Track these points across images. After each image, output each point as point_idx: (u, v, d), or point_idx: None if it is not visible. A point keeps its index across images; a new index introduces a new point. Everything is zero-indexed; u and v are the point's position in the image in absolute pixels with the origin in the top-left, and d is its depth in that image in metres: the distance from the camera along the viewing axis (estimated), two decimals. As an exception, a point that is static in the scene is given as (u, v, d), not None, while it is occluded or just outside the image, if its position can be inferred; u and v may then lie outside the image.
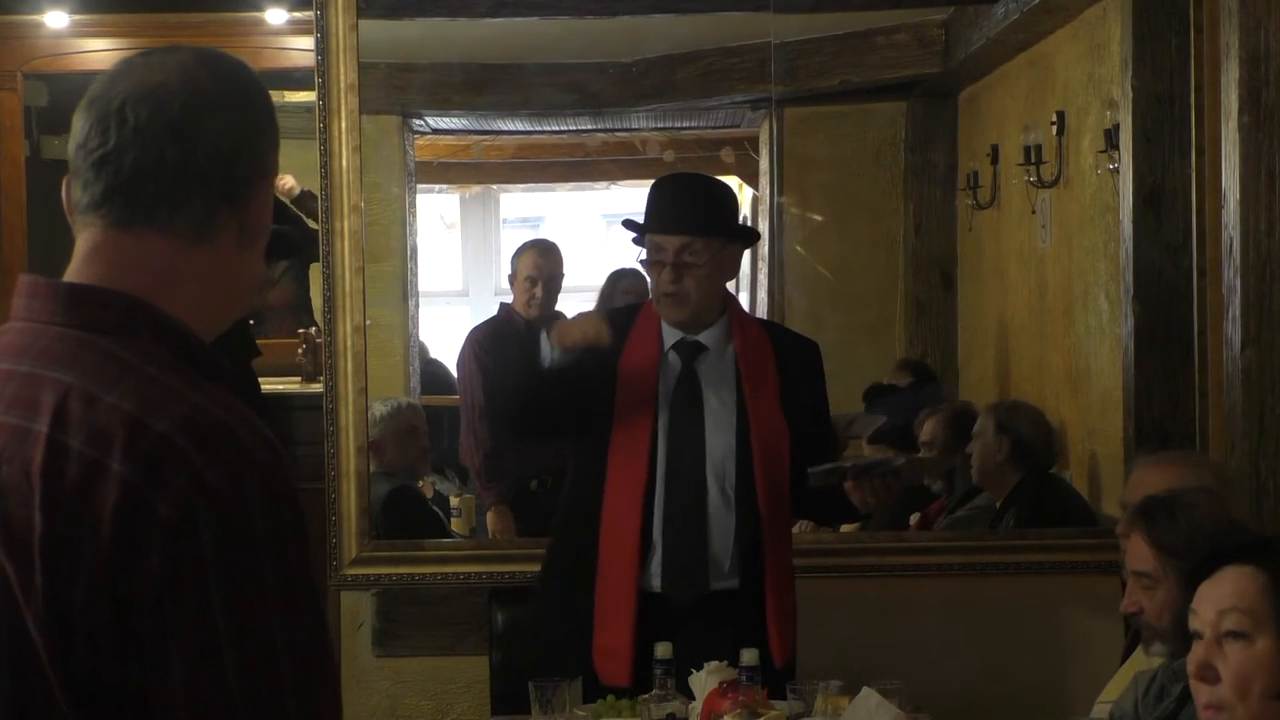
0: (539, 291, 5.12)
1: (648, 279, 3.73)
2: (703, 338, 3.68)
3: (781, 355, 3.70)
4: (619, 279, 5.13)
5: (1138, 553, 2.94)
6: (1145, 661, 3.07)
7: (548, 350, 3.53)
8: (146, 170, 1.57)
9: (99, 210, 1.59)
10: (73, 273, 1.59)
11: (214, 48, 1.67)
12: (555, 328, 3.55)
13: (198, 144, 1.58)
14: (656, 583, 3.60)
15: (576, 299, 5.34)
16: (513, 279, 5.19)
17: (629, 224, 3.72)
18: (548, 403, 3.61)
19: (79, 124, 1.60)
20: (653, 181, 3.79)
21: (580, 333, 3.49)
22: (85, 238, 1.60)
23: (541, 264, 5.16)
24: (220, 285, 1.62)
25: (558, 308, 5.21)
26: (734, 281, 3.88)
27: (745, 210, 5.29)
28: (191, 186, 1.58)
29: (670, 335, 3.69)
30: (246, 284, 1.66)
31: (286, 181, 5.98)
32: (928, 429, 4.88)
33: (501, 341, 5.11)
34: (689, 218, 3.62)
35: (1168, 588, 2.88)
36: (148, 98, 1.58)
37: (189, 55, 1.63)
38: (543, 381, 3.57)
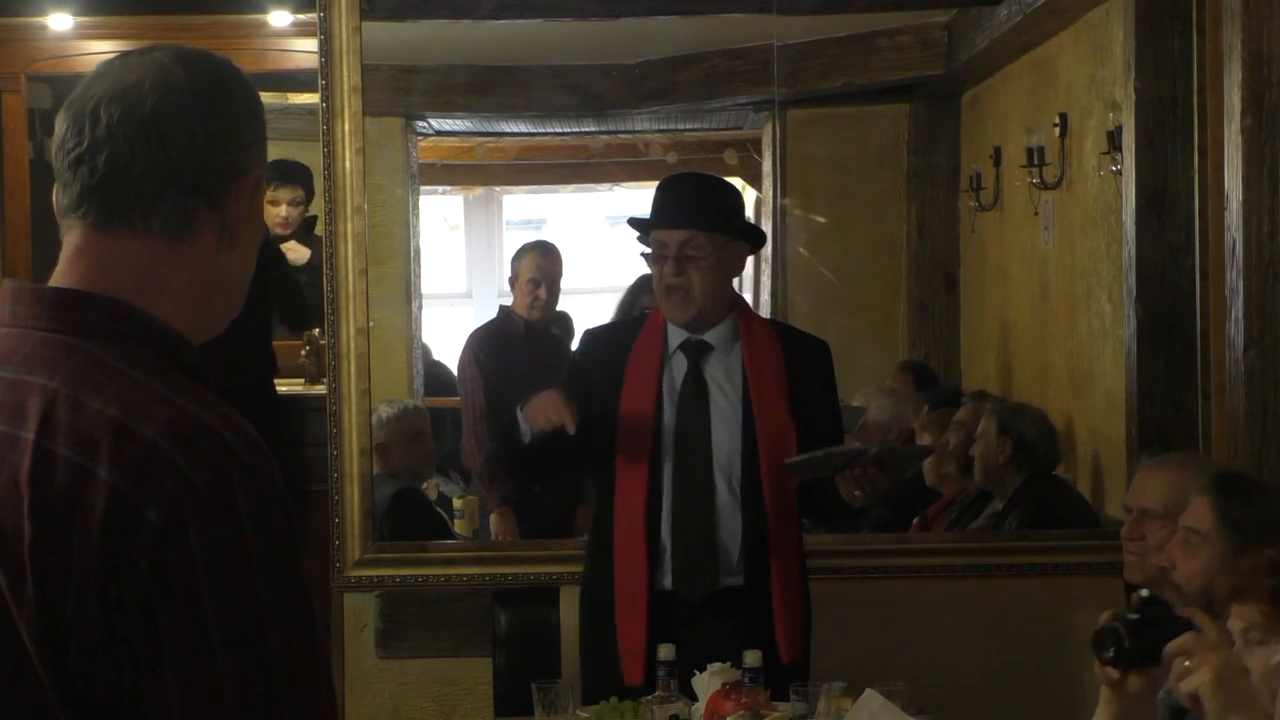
0: (542, 293, 5.13)
1: (653, 276, 3.74)
2: (708, 337, 3.70)
3: (790, 355, 3.71)
4: (639, 293, 5.12)
5: (1197, 511, 2.95)
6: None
7: (524, 426, 3.60)
8: (119, 170, 1.57)
9: (78, 211, 1.59)
10: (57, 275, 1.59)
11: (198, 48, 1.66)
12: (526, 409, 3.60)
13: (168, 141, 1.57)
14: (668, 581, 3.63)
15: (579, 300, 5.34)
16: (513, 281, 5.19)
17: (634, 222, 3.74)
18: (542, 459, 3.74)
19: (58, 126, 1.60)
20: (658, 182, 3.81)
21: (544, 418, 3.54)
22: (68, 240, 1.60)
23: (544, 265, 5.17)
24: (203, 285, 1.61)
25: (560, 308, 5.21)
26: (737, 282, 3.89)
27: (749, 212, 5.29)
28: (164, 185, 1.58)
29: (676, 336, 3.71)
30: (232, 285, 1.64)
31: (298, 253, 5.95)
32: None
33: (501, 344, 5.11)
34: (691, 212, 3.65)
35: (1210, 555, 2.91)
36: (120, 97, 1.58)
37: (166, 54, 1.62)
38: (527, 459, 3.75)
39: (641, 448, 3.62)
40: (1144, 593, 2.48)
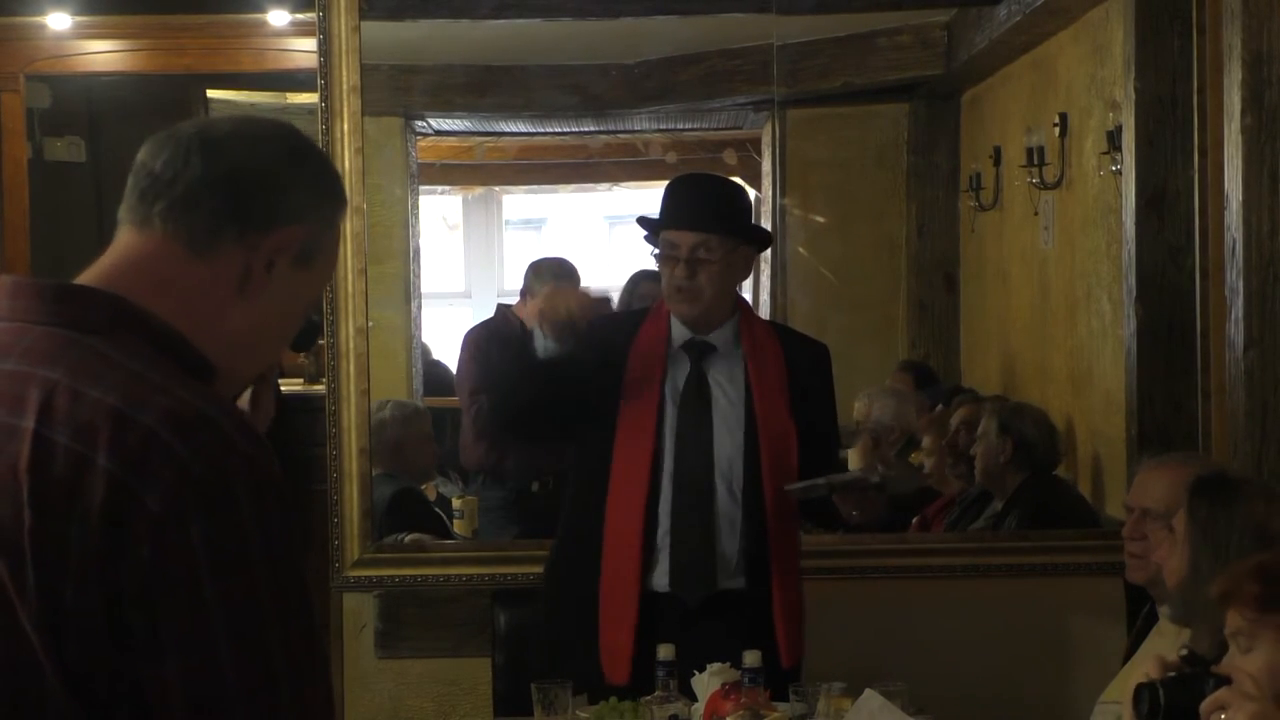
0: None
1: (660, 275, 3.73)
2: (712, 338, 3.69)
3: (791, 357, 3.71)
4: (638, 282, 5.12)
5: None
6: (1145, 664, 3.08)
7: (540, 341, 3.51)
8: (171, 175, 1.63)
9: (132, 213, 1.65)
10: (88, 270, 1.64)
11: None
12: (542, 311, 3.52)
13: (219, 159, 1.64)
14: (664, 582, 3.62)
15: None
16: (528, 293, 5.18)
17: (643, 221, 3.73)
18: (544, 402, 3.60)
19: (138, 155, 1.69)
20: (665, 183, 3.81)
21: (564, 307, 3.46)
22: (114, 242, 1.66)
23: None
24: (208, 316, 1.63)
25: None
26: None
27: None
28: (201, 194, 1.63)
29: (679, 335, 3.70)
30: (235, 335, 1.65)
31: None
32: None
33: (499, 343, 5.11)
34: (704, 215, 3.64)
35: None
36: (202, 124, 1.70)
37: (270, 118, 1.74)
38: (538, 380, 3.55)
39: (642, 448, 3.60)
40: (1184, 651, 2.51)
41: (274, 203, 1.65)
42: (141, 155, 1.67)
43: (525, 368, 3.56)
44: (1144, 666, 2.57)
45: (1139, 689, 2.46)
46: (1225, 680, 2.36)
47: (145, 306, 1.58)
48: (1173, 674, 2.45)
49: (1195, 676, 2.42)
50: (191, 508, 1.45)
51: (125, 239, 1.64)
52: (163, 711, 1.46)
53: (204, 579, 1.45)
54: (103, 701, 1.47)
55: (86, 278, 1.62)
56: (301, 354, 6.09)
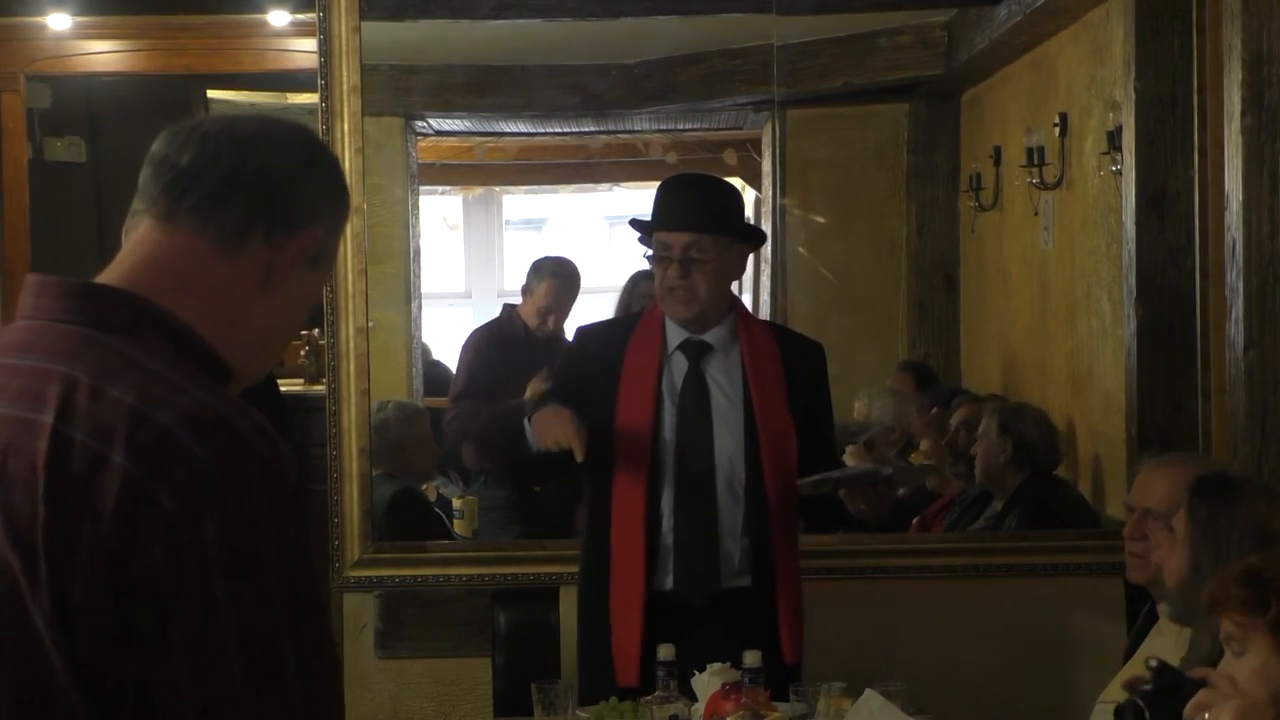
0: (551, 323, 5.14)
1: (655, 277, 3.73)
2: (708, 337, 3.70)
3: (787, 356, 3.72)
4: (638, 282, 5.13)
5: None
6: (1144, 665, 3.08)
7: (532, 437, 3.54)
8: (201, 169, 1.65)
9: (154, 205, 1.66)
10: (111, 266, 1.65)
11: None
12: (534, 421, 3.55)
13: (251, 158, 1.66)
14: (669, 582, 3.63)
15: (581, 300, 5.33)
16: (526, 291, 5.19)
17: (635, 223, 3.73)
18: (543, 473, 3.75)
19: (156, 144, 1.69)
20: (659, 182, 3.81)
21: (553, 439, 3.48)
22: (132, 237, 1.67)
23: (562, 297, 5.17)
24: (231, 312, 1.65)
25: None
26: (737, 283, 3.89)
27: (748, 212, 5.29)
28: (234, 193, 1.65)
29: (675, 335, 3.70)
30: (255, 330, 1.68)
31: None
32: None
33: (502, 344, 5.11)
34: (696, 215, 3.64)
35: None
36: (226, 121, 1.71)
37: (289, 119, 1.76)
38: (534, 469, 3.74)
39: (641, 449, 3.61)
40: (1153, 662, 2.51)
41: (298, 204, 1.68)
42: (160, 148, 1.68)
43: (522, 462, 3.70)
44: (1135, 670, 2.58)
45: (1119, 710, 2.47)
46: (1202, 684, 2.37)
47: (166, 306, 1.60)
48: (1148, 687, 2.46)
49: (1173, 686, 2.43)
50: (206, 507, 1.46)
51: (147, 234, 1.65)
52: (172, 711, 1.46)
53: (216, 579, 1.45)
54: (112, 698, 1.47)
55: (109, 275, 1.63)
56: (301, 353, 6.10)
